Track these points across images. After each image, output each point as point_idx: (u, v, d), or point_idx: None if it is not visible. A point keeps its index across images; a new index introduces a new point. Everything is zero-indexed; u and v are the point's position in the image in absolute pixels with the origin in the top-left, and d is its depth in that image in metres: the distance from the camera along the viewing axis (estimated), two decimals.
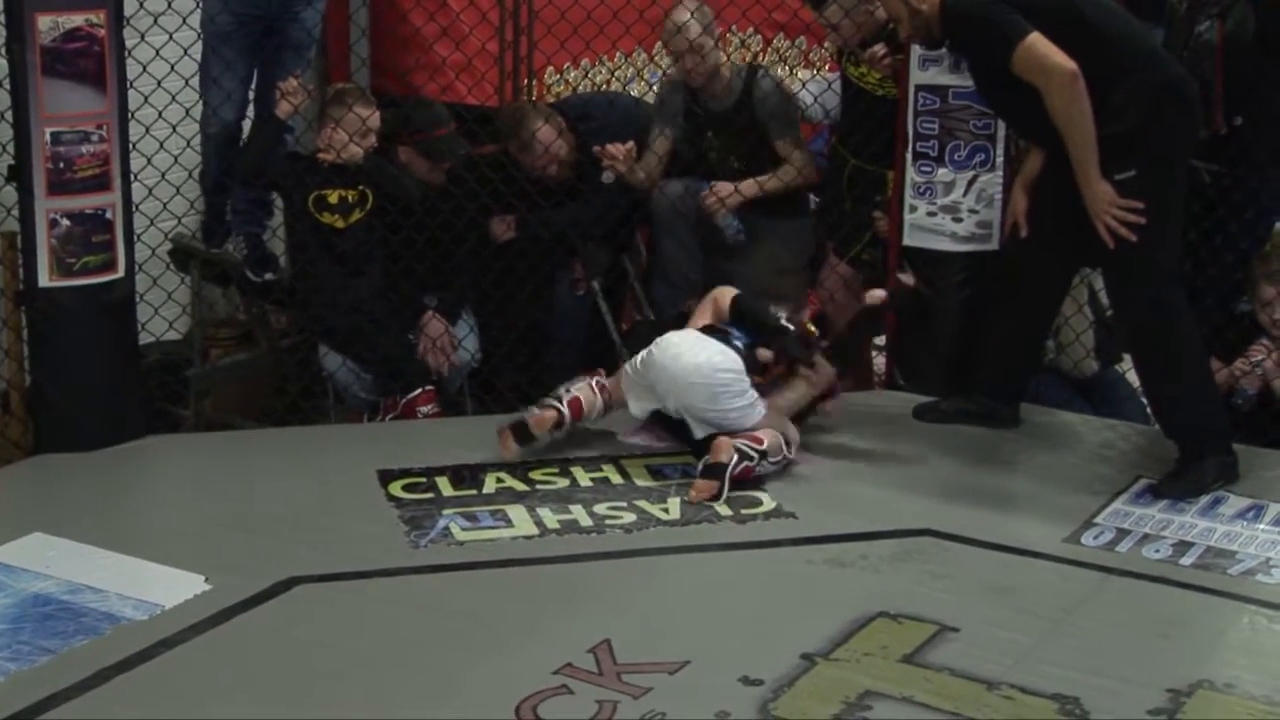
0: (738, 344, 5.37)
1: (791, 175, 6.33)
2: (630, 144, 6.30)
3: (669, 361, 5.32)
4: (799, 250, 6.58)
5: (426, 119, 6.29)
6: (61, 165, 5.25)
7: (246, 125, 6.24)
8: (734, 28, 6.51)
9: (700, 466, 5.18)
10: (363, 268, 6.09)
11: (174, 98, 5.85)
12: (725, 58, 6.29)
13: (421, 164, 6.26)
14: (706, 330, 5.43)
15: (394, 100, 6.49)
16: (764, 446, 5.23)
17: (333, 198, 6.00)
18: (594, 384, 5.48)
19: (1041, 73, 5.04)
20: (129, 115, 5.45)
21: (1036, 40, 5.02)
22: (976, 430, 5.69)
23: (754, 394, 5.33)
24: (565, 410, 5.39)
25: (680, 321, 5.62)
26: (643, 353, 5.40)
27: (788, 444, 5.33)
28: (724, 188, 6.31)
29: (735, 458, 5.13)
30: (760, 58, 7.20)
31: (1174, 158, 5.22)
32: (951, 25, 5.20)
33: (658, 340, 5.40)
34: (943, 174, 5.93)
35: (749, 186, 6.32)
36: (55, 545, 4.68)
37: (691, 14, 6.14)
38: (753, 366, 5.38)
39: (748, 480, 5.18)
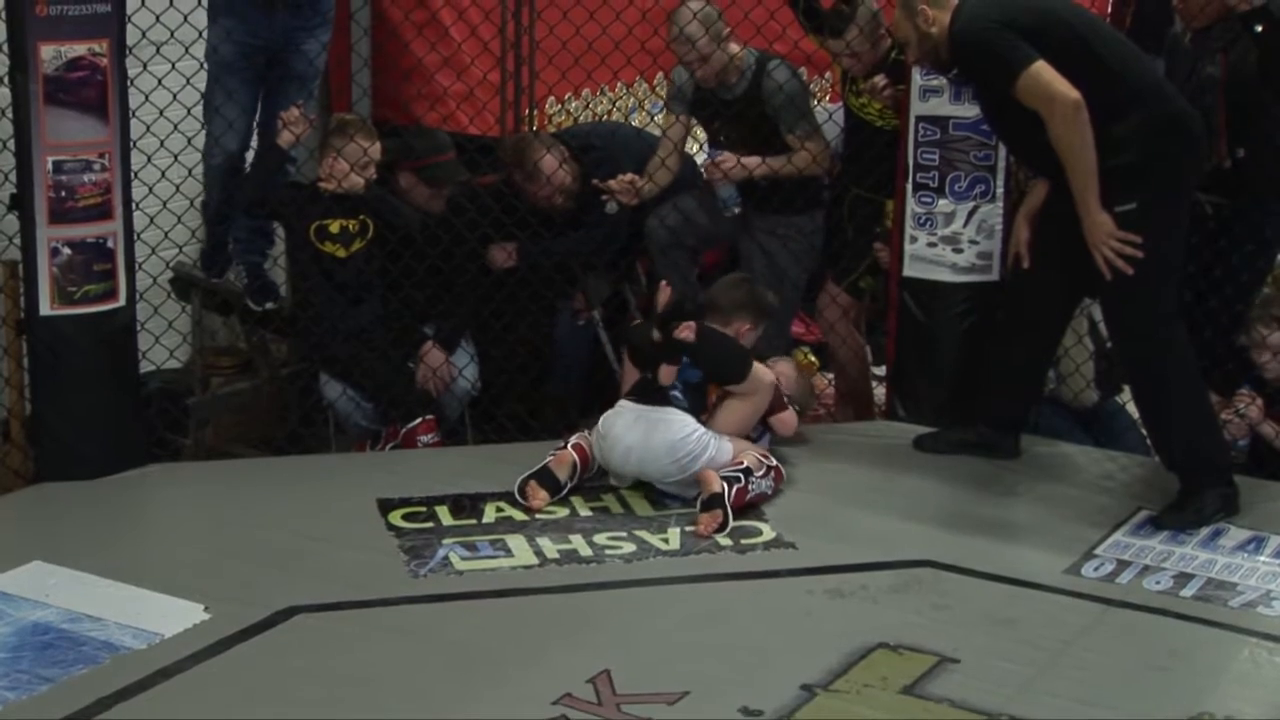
0: (678, 395, 5.36)
1: (806, 162, 6.25)
2: (630, 175, 6.30)
3: (623, 458, 5.33)
4: (803, 251, 6.46)
5: (427, 145, 6.31)
6: (63, 194, 5.26)
7: (250, 156, 6.25)
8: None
9: (698, 504, 5.19)
10: (363, 296, 6.10)
11: (176, 127, 5.86)
12: (736, 49, 6.23)
13: (422, 190, 6.27)
14: (643, 392, 5.40)
15: (395, 130, 6.50)
16: (745, 465, 5.27)
17: (334, 227, 6.01)
18: (587, 434, 5.48)
19: (1045, 101, 5.05)
20: (131, 144, 5.46)
21: (1041, 68, 5.03)
22: (977, 461, 5.68)
23: (711, 439, 5.32)
24: (574, 453, 5.39)
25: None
26: (595, 438, 5.39)
27: (765, 455, 5.37)
28: (728, 161, 6.26)
29: (725, 486, 5.15)
30: None
31: (1176, 192, 5.23)
32: (958, 51, 5.22)
33: (603, 429, 5.37)
34: (943, 205, 5.94)
35: (754, 162, 6.25)
36: (55, 574, 4.68)
37: (695, 16, 6.05)
38: (700, 406, 5.39)
39: (744, 503, 5.20)
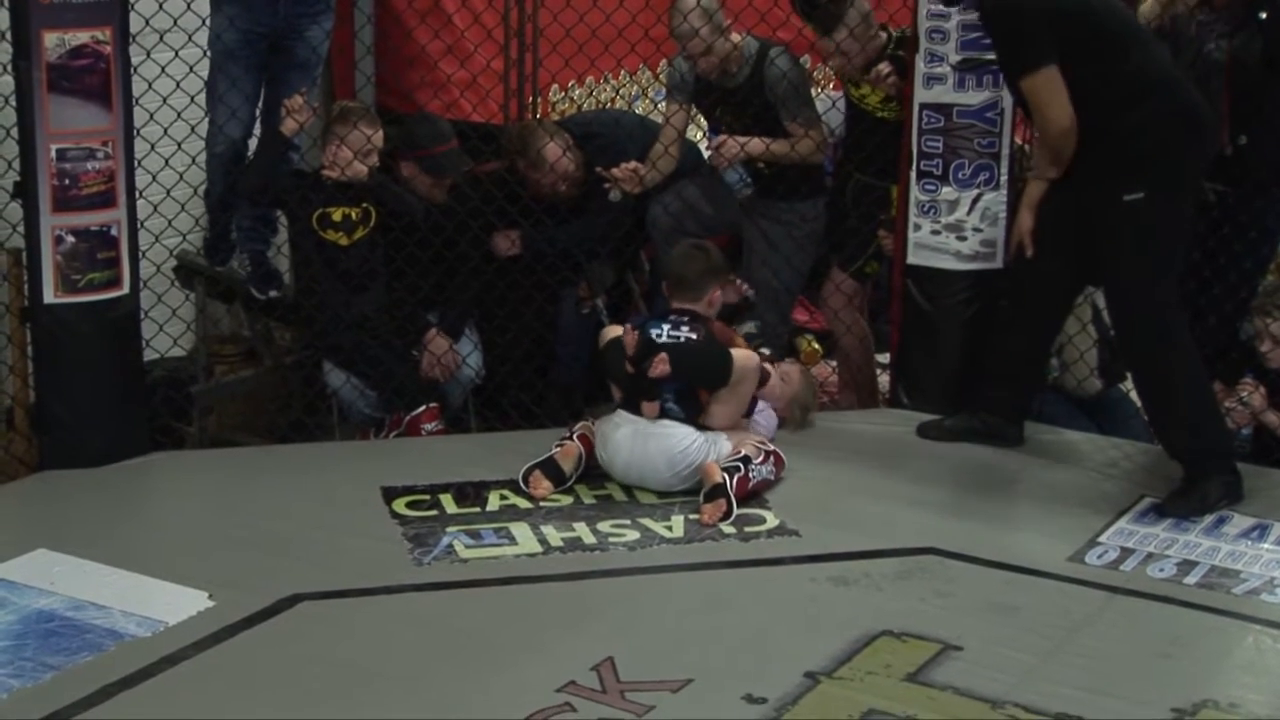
0: (672, 405, 5.33)
1: (809, 149, 6.25)
2: (634, 163, 6.30)
3: (624, 469, 5.34)
4: (806, 237, 6.45)
5: (429, 134, 6.29)
6: (67, 182, 5.26)
7: (253, 143, 6.25)
8: None
9: (701, 496, 5.18)
10: (366, 284, 6.09)
11: (179, 114, 5.85)
12: (736, 38, 6.22)
13: (424, 180, 6.26)
14: (638, 404, 5.37)
15: (398, 117, 6.49)
16: (744, 454, 5.27)
17: (336, 215, 6.00)
18: (591, 424, 5.47)
19: (1039, 111, 5.17)
20: (134, 132, 5.45)
21: (1048, 80, 5.08)
22: (980, 448, 5.68)
23: (710, 444, 5.31)
24: (579, 444, 5.39)
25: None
26: (598, 439, 5.39)
27: (763, 442, 5.37)
28: (731, 146, 6.23)
29: (726, 476, 5.15)
30: None
31: (1183, 183, 5.23)
32: (989, 15, 5.27)
33: (602, 440, 5.37)
34: (947, 192, 5.94)
35: (755, 145, 6.23)
36: (59, 561, 4.69)
37: (699, 4, 6.02)
38: (695, 408, 5.35)
39: (747, 492, 5.20)
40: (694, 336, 5.40)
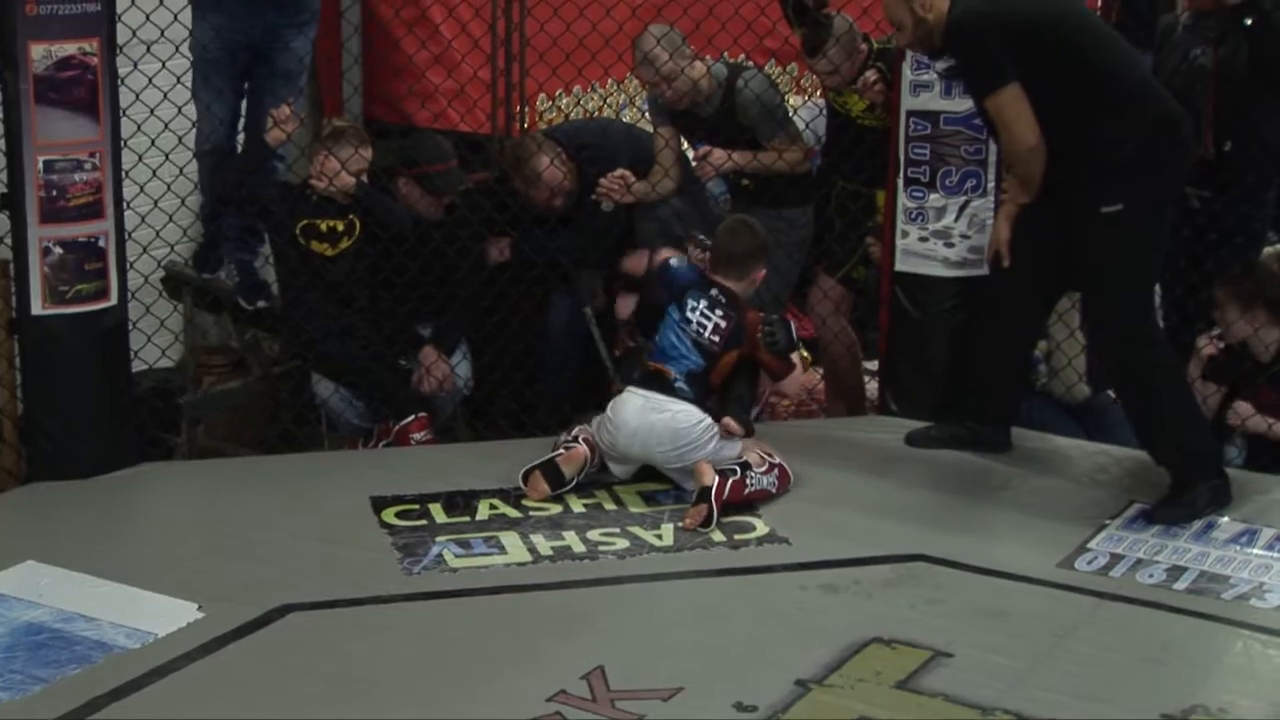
0: (683, 386, 5.35)
1: (796, 159, 6.28)
2: (621, 171, 6.30)
3: (628, 440, 5.34)
4: (795, 244, 6.45)
5: (430, 153, 6.28)
6: (54, 193, 5.25)
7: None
8: (725, 54, 6.51)
9: (693, 498, 5.18)
10: (353, 295, 6.09)
11: (166, 125, 5.85)
12: (704, 68, 6.24)
13: (421, 197, 6.25)
14: (649, 381, 5.40)
15: (391, 130, 6.48)
16: (744, 460, 5.28)
17: (322, 227, 6.00)
18: (589, 428, 5.47)
19: (1004, 130, 5.18)
20: (122, 143, 5.45)
21: (1010, 100, 5.09)
22: (969, 455, 5.69)
23: (716, 436, 5.33)
24: (585, 449, 5.39)
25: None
26: (601, 422, 5.40)
27: (770, 454, 5.37)
28: (718, 155, 6.25)
29: (717, 480, 5.15)
30: None
31: (1163, 193, 5.23)
32: (950, 40, 5.25)
33: (609, 414, 5.38)
34: (934, 199, 5.95)
35: (742, 155, 6.25)
36: (48, 574, 4.67)
37: (659, 41, 6.08)
38: (705, 394, 5.38)
39: (742, 498, 5.20)
40: (723, 324, 5.40)
